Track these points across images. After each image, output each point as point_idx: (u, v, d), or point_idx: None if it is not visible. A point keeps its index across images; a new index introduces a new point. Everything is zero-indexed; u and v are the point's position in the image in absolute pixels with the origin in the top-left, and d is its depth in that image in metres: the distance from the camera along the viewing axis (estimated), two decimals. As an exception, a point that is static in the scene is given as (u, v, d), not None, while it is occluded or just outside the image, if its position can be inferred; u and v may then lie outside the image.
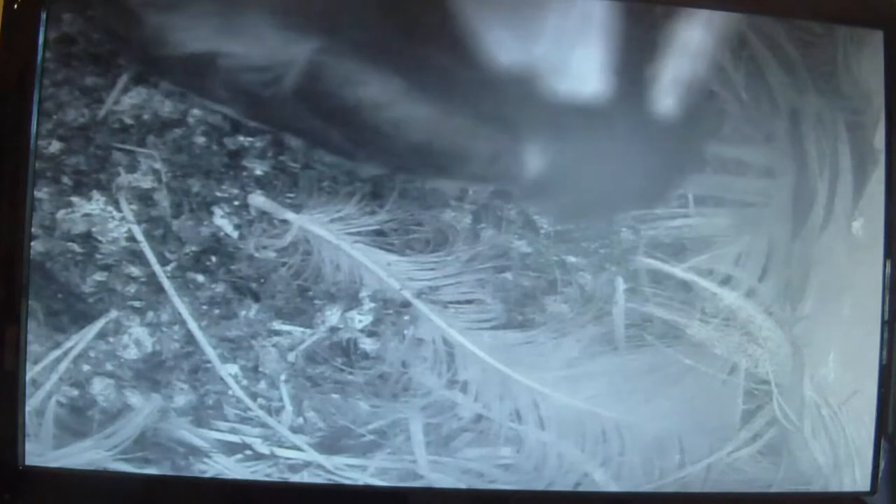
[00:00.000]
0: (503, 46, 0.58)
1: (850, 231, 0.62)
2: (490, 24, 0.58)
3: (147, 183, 0.57)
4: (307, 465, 0.58)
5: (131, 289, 0.57)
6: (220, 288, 0.57)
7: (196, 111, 0.57)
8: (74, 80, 0.56)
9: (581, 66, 0.59)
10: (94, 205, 0.57)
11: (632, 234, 0.60)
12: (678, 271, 0.60)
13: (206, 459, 0.57)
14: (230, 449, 0.58)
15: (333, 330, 0.58)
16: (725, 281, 0.61)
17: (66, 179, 0.57)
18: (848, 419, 0.62)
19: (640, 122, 0.60)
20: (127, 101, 0.57)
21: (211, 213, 0.57)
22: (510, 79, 0.58)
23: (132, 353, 0.57)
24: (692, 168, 0.60)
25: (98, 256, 0.57)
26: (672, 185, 0.60)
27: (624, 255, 0.60)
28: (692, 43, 0.60)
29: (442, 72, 0.58)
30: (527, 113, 0.59)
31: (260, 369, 0.58)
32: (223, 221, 0.57)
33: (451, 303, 0.58)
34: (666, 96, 0.59)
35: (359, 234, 0.58)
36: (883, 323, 0.62)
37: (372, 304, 0.58)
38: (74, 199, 0.57)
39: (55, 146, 0.56)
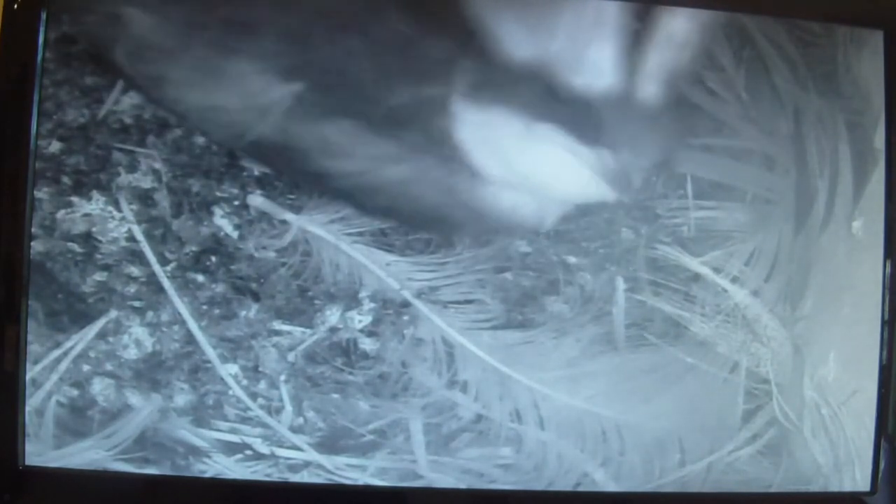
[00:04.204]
0: None
1: (850, 231, 0.62)
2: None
3: (147, 183, 0.57)
4: (307, 465, 0.58)
5: (131, 289, 0.57)
6: (220, 288, 0.57)
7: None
8: (74, 80, 0.56)
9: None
10: (94, 205, 0.57)
11: (634, 233, 0.60)
12: (694, 264, 0.60)
13: (206, 459, 0.57)
14: (230, 449, 0.58)
15: (333, 330, 0.58)
16: (735, 278, 0.61)
17: (66, 179, 0.57)
18: (848, 419, 0.62)
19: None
20: (127, 101, 0.57)
21: (211, 213, 0.57)
22: None
23: (132, 353, 0.57)
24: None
25: (98, 256, 0.57)
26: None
27: (626, 254, 0.60)
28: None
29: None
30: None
31: (260, 369, 0.58)
32: (223, 221, 0.57)
33: (450, 303, 0.58)
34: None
35: (359, 234, 0.58)
36: (883, 323, 0.62)
37: (372, 305, 0.58)
38: (74, 199, 0.57)
39: (55, 146, 0.56)
